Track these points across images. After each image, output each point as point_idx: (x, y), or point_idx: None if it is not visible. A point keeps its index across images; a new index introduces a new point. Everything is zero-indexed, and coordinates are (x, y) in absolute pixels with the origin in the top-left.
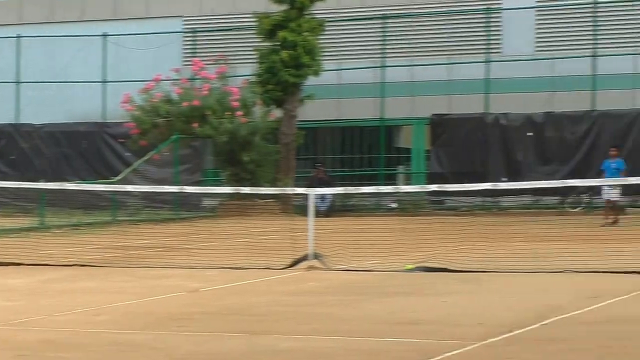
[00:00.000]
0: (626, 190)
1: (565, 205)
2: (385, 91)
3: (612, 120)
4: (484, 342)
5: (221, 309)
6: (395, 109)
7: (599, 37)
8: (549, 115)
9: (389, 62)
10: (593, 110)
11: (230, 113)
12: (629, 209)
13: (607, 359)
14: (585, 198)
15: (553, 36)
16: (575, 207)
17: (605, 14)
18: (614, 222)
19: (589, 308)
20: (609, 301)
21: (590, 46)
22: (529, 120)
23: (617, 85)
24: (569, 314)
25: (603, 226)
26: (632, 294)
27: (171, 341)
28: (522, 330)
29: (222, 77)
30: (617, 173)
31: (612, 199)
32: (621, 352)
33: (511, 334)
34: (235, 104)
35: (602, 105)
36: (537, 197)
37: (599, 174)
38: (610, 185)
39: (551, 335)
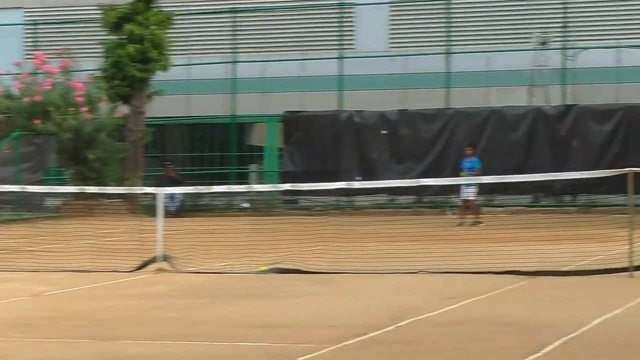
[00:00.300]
0: (480, 189)
1: (448, 212)
2: (237, 87)
3: (466, 119)
4: (338, 345)
5: (66, 313)
6: (247, 105)
7: (452, 34)
8: (403, 113)
9: (240, 57)
10: (447, 108)
11: (74, 109)
12: (483, 209)
13: None
14: (442, 198)
15: (407, 33)
16: (454, 213)
17: (458, 11)
18: (475, 223)
19: (444, 309)
20: (463, 302)
21: (444, 43)
22: (383, 118)
23: (470, 83)
24: (424, 316)
25: (459, 225)
26: (486, 295)
27: (13, 349)
28: (377, 332)
29: (66, 71)
30: (471, 172)
31: (468, 199)
32: (476, 354)
33: (366, 336)
34: (80, 99)
35: (456, 103)
36: (392, 196)
37: (457, 174)
38: (466, 185)
39: (406, 337)
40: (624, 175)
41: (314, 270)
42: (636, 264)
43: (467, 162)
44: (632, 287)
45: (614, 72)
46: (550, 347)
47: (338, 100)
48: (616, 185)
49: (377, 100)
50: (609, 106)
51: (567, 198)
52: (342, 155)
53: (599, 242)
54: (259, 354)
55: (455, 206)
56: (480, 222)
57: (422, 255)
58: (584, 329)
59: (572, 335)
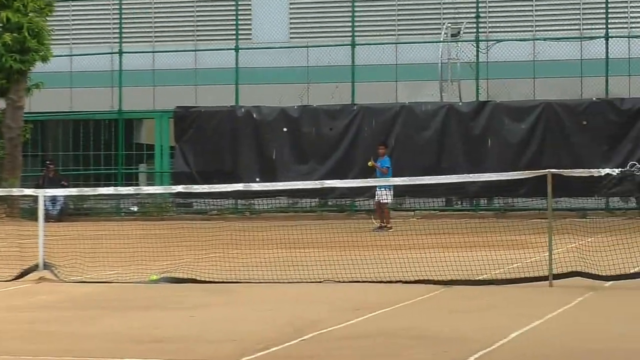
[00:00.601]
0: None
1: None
2: (124, 80)
3: (374, 115)
4: None
5: None
6: (135, 100)
7: (357, 24)
8: (305, 109)
9: (127, 47)
10: (353, 104)
11: None
12: (392, 213)
13: None
14: (348, 201)
15: (309, 23)
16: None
17: (364, 0)
18: (386, 227)
19: (351, 321)
20: (372, 314)
21: (349, 34)
22: (283, 115)
23: (377, 77)
24: (330, 328)
25: (377, 230)
26: (397, 306)
27: None
28: (280, 347)
29: None
30: (381, 173)
31: (381, 201)
32: None
33: (267, 351)
34: None
35: (362, 99)
36: (294, 199)
37: (369, 174)
38: (379, 186)
39: (310, 352)
40: (543, 177)
41: (210, 280)
42: (556, 272)
43: (378, 162)
44: (552, 297)
45: (529, 67)
46: None
47: (235, 95)
48: (534, 187)
49: (277, 95)
50: (525, 102)
51: (482, 201)
52: (240, 155)
53: (516, 249)
54: None
55: (360, 210)
56: (390, 228)
57: (327, 263)
58: (502, 342)
59: (489, 349)
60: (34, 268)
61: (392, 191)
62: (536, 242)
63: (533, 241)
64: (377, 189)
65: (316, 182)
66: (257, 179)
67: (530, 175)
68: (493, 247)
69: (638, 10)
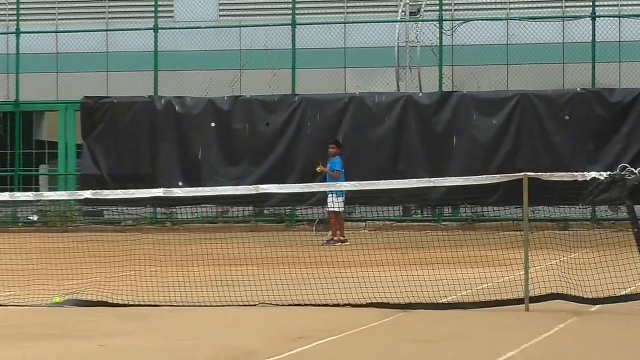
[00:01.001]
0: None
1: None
2: (21, 66)
3: (318, 108)
4: None
5: None
6: (35, 89)
7: (299, 1)
8: (237, 100)
9: (25, 27)
10: (294, 95)
11: None
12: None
13: None
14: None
15: None
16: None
17: None
18: (336, 240)
19: (292, 352)
20: (316, 343)
21: (289, 13)
22: (211, 107)
23: (323, 63)
24: None
25: (327, 244)
26: (345, 333)
27: None
28: None
29: None
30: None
31: (333, 210)
32: None
33: None
34: None
35: (304, 88)
36: (224, 207)
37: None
38: (330, 193)
39: None
40: (518, 182)
41: (124, 303)
42: (533, 294)
43: (329, 164)
44: (529, 323)
45: (502, 51)
46: None
47: (153, 83)
48: (508, 194)
49: (204, 83)
50: (497, 94)
51: (446, 210)
52: (160, 155)
53: (486, 266)
54: None
55: (302, 220)
56: (345, 240)
57: (263, 283)
58: None
59: None
60: None
61: (344, 197)
62: (510, 258)
63: (506, 257)
64: (328, 196)
65: (250, 187)
66: (180, 184)
67: (503, 180)
68: (459, 265)
69: None
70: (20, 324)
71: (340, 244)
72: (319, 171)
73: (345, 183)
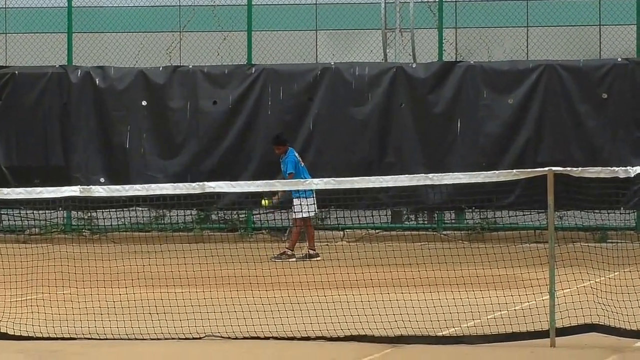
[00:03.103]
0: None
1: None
2: None
3: (282, 81)
4: None
5: None
6: None
7: None
8: (176, 71)
9: None
10: (250, 65)
11: None
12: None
13: None
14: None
15: None
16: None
17: None
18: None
19: None
20: None
21: None
22: (142, 80)
23: (287, 24)
24: None
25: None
26: None
27: None
28: None
29: None
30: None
31: (301, 216)
32: None
33: None
34: None
35: (264, 57)
36: (159, 210)
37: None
38: (293, 195)
39: None
40: (541, 179)
41: (28, 335)
42: (560, 324)
43: (282, 165)
44: None
45: (521, 10)
46: None
47: (67, 50)
48: (527, 194)
49: (133, 50)
50: (515, 65)
51: (448, 216)
52: (75, 142)
53: (499, 288)
54: None
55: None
56: (317, 255)
57: (211, 310)
58: None
59: None
60: None
61: (314, 198)
62: (530, 278)
63: (525, 277)
64: (294, 198)
65: (194, 184)
66: (102, 180)
67: (522, 177)
68: (464, 286)
69: None
70: None
71: (311, 258)
72: (264, 204)
73: (316, 180)
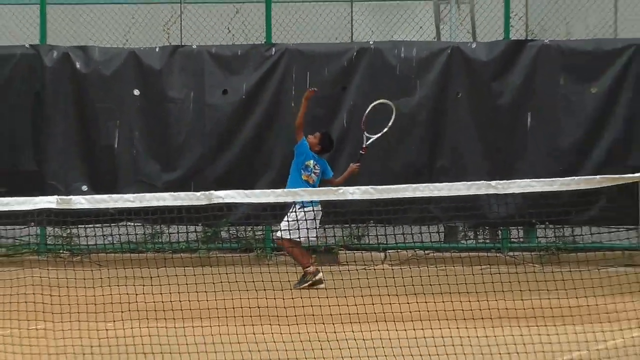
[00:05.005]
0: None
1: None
2: None
3: (309, 64)
4: None
5: None
6: None
7: None
8: (176, 52)
9: None
10: (270, 44)
11: None
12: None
13: None
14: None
15: None
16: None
17: None
18: (304, 278)
19: None
20: None
21: None
22: (134, 63)
23: None
24: None
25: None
26: None
27: None
28: None
29: None
30: (318, 181)
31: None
32: None
33: None
34: None
35: (285, 35)
36: (155, 225)
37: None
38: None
39: None
40: (632, 187)
41: None
42: None
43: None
44: None
45: None
46: None
47: (39, 27)
48: (617, 206)
49: (123, 26)
50: (599, 44)
51: (516, 232)
52: (52, 140)
53: (578, 323)
54: None
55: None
56: (319, 281)
57: (218, 347)
58: None
59: None
60: None
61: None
62: (618, 310)
63: (612, 308)
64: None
65: (198, 194)
66: (84, 188)
67: (609, 184)
68: (535, 320)
69: None
70: None
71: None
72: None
73: (351, 189)
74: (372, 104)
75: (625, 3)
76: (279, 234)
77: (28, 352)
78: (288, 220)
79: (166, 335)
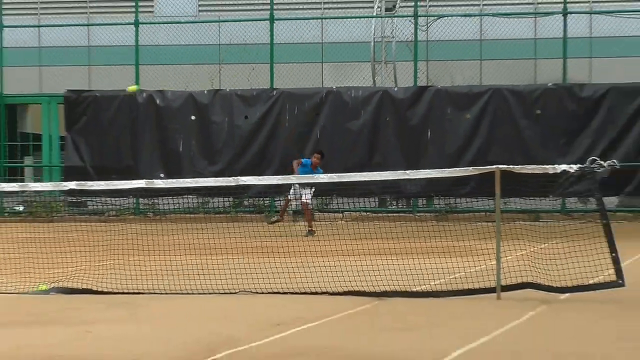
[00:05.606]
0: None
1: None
2: (5, 59)
3: (296, 101)
4: None
5: None
6: (19, 82)
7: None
8: (217, 94)
9: (8, 21)
10: (272, 89)
11: None
12: (317, 214)
13: None
14: (267, 201)
15: None
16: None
17: None
18: (309, 232)
19: (270, 339)
20: (293, 330)
21: (267, 8)
22: (191, 100)
23: (300, 58)
24: (246, 347)
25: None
26: (321, 321)
27: None
28: None
29: None
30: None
31: (307, 202)
32: None
33: None
34: None
35: (282, 82)
36: (204, 198)
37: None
38: (303, 186)
39: None
40: (491, 174)
41: (108, 290)
42: (504, 283)
43: (307, 169)
44: (500, 311)
45: (476, 47)
46: None
47: (135, 77)
48: (480, 186)
49: (184, 77)
50: (471, 88)
51: (421, 202)
52: (141, 147)
53: (459, 256)
54: None
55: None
56: (314, 232)
57: (243, 272)
58: None
59: None
60: None
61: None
62: (482, 248)
63: (478, 248)
64: (303, 188)
65: (230, 178)
66: (161, 175)
67: (476, 173)
68: (433, 255)
69: None
70: (8, 311)
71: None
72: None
73: (323, 175)
74: None
75: (487, 63)
76: (304, 200)
77: (127, 274)
78: (308, 195)
79: (211, 263)
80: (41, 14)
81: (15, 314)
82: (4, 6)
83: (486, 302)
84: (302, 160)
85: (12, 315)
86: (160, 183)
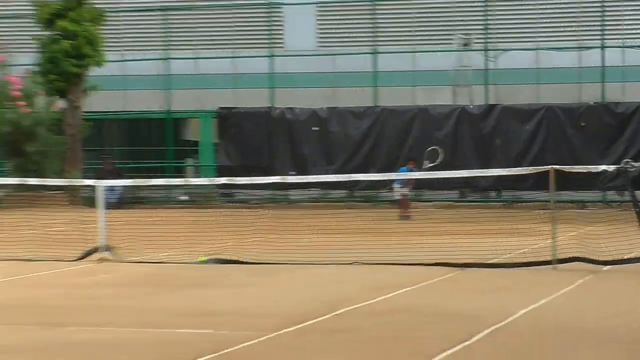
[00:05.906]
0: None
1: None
2: (171, 83)
3: (394, 116)
4: (277, 333)
5: (11, 300)
6: (182, 101)
7: (378, 34)
8: (333, 110)
9: (173, 54)
10: (375, 106)
11: (11, 103)
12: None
13: (396, 347)
14: (373, 192)
15: (334, 32)
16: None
17: (384, 12)
18: (407, 217)
19: (377, 299)
20: (395, 292)
21: (371, 43)
22: (314, 115)
23: (397, 82)
24: (359, 305)
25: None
26: (417, 286)
27: None
28: (314, 320)
29: (2, 66)
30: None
31: (405, 194)
32: (411, 341)
33: (304, 324)
34: (17, 94)
35: (383, 102)
36: (325, 190)
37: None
38: (400, 182)
39: (342, 326)
40: (546, 172)
41: (252, 261)
42: (559, 257)
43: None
44: (556, 279)
45: (533, 73)
46: (480, 335)
47: (269, 97)
48: (538, 181)
49: (308, 97)
50: (529, 106)
51: (492, 194)
52: (276, 151)
53: (523, 236)
54: (203, 340)
55: (384, 201)
56: (410, 216)
57: (355, 247)
58: (512, 318)
59: (500, 324)
60: (96, 250)
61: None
62: (541, 230)
63: (538, 229)
64: (399, 184)
65: (344, 175)
66: (292, 173)
67: (535, 171)
68: (502, 234)
69: (631, 22)
70: (174, 277)
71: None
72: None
73: (417, 173)
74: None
75: (542, 86)
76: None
77: (267, 249)
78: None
79: (332, 240)
80: (199, 48)
81: (182, 279)
82: (171, 43)
83: (545, 272)
84: (400, 169)
85: (180, 280)
86: (291, 178)
